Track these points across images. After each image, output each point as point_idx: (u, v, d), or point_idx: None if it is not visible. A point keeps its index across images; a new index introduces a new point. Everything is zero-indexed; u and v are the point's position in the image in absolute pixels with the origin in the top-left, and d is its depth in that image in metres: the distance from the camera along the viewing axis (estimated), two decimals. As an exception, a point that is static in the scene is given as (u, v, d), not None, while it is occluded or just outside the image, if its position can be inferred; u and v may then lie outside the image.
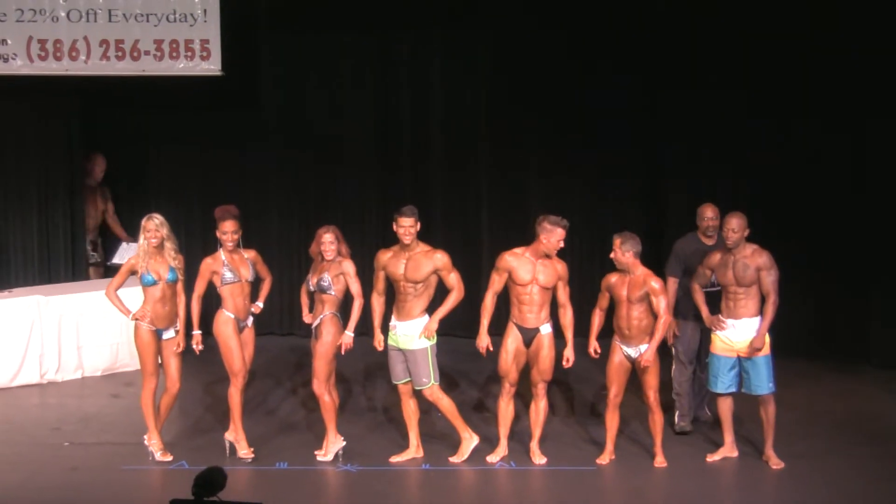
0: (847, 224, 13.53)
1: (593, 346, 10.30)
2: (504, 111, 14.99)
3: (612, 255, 10.13)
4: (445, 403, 10.47)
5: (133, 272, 10.37)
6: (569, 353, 10.24)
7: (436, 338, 10.35)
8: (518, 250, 10.27)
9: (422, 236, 10.34)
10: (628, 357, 10.22)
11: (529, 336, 10.25)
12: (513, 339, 10.29)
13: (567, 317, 10.28)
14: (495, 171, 15.17)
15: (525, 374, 10.44)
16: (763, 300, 10.23)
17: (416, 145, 15.27)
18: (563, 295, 10.26)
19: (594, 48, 14.50)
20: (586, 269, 14.02)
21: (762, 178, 13.69)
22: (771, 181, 13.64)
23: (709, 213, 11.07)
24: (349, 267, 10.27)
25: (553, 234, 10.11)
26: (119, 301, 10.51)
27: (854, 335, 13.60)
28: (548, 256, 10.18)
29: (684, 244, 11.14)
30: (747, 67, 13.81)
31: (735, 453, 10.45)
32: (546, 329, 10.27)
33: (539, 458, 10.40)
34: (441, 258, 10.20)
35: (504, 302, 10.47)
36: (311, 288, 10.35)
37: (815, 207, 13.64)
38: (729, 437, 10.46)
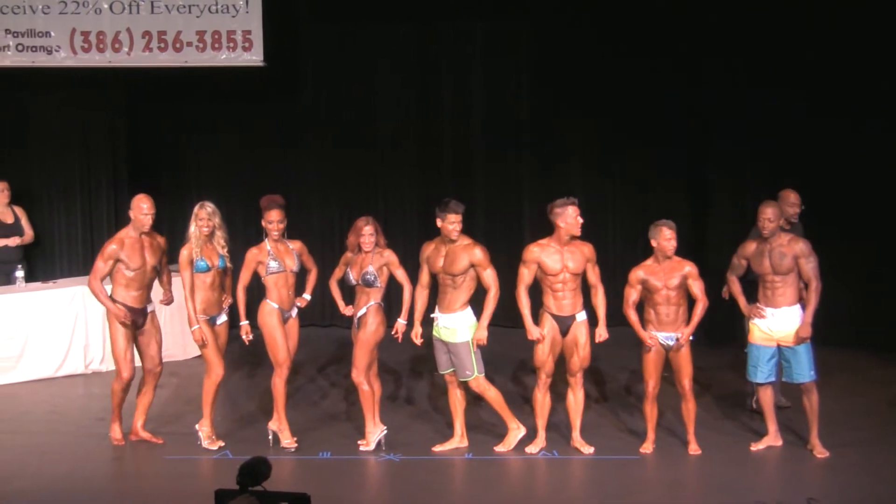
0: (888, 213, 13.43)
1: (649, 335, 10.23)
2: (546, 103, 15.01)
3: (663, 244, 10.06)
4: (491, 394, 10.45)
5: (191, 261, 10.39)
6: (601, 331, 10.22)
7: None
8: (543, 241, 10.22)
9: (463, 229, 10.28)
10: (663, 345, 10.20)
11: (566, 325, 10.21)
12: (549, 330, 10.23)
13: (599, 296, 10.23)
14: (537, 163, 15.19)
15: (559, 363, 10.40)
16: (800, 289, 10.18)
17: (457, 136, 15.30)
18: (594, 276, 10.22)
19: (638, 42, 14.51)
20: (628, 259, 13.94)
21: (802, 170, 13.55)
22: (810, 172, 13.53)
23: (792, 198, 11.16)
24: (392, 256, 10.29)
25: (566, 214, 10.07)
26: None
27: (891, 325, 13.50)
28: (573, 240, 10.12)
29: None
30: (790, 62, 13.72)
31: (779, 442, 10.40)
32: (582, 316, 10.23)
33: (586, 448, 10.38)
34: (478, 253, 10.13)
35: (537, 293, 10.43)
36: (353, 281, 10.34)
37: (855, 196, 13.55)
38: (772, 426, 10.41)
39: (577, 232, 10.11)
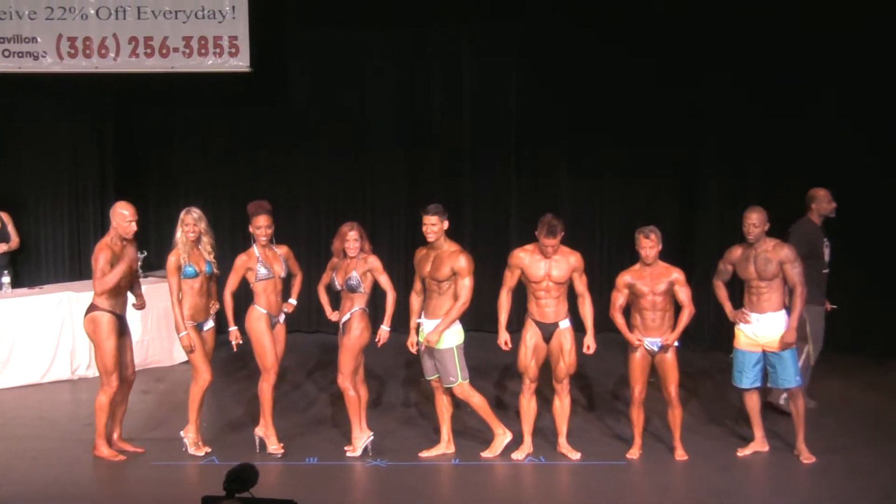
0: (886, 216, 13.46)
1: (636, 336, 10.23)
2: (535, 107, 15.00)
3: (639, 251, 10.09)
4: (476, 401, 10.44)
5: (179, 267, 10.35)
6: (589, 341, 10.18)
7: (463, 336, 10.31)
8: (529, 247, 10.21)
9: (451, 233, 10.28)
10: (649, 350, 10.21)
11: (549, 331, 10.21)
12: (531, 335, 10.25)
13: (586, 306, 10.21)
14: (525, 168, 15.20)
15: (545, 369, 10.40)
16: (785, 295, 10.21)
17: (445, 141, 15.30)
18: (581, 285, 10.20)
19: (628, 44, 14.50)
20: (615, 265, 13.96)
21: (800, 172, 13.52)
22: (808, 174, 13.53)
23: (822, 194, 11.42)
24: (376, 262, 10.27)
25: (542, 234, 10.04)
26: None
27: (887, 329, 13.54)
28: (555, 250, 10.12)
29: (799, 228, 11.21)
30: (789, 63, 13.74)
31: (766, 448, 10.42)
32: (565, 324, 10.21)
33: (573, 454, 10.37)
34: (462, 261, 10.08)
35: (523, 297, 10.44)
36: (338, 287, 10.34)
37: (853, 199, 13.53)
38: (758, 431, 10.43)
39: (549, 254, 10.07)
